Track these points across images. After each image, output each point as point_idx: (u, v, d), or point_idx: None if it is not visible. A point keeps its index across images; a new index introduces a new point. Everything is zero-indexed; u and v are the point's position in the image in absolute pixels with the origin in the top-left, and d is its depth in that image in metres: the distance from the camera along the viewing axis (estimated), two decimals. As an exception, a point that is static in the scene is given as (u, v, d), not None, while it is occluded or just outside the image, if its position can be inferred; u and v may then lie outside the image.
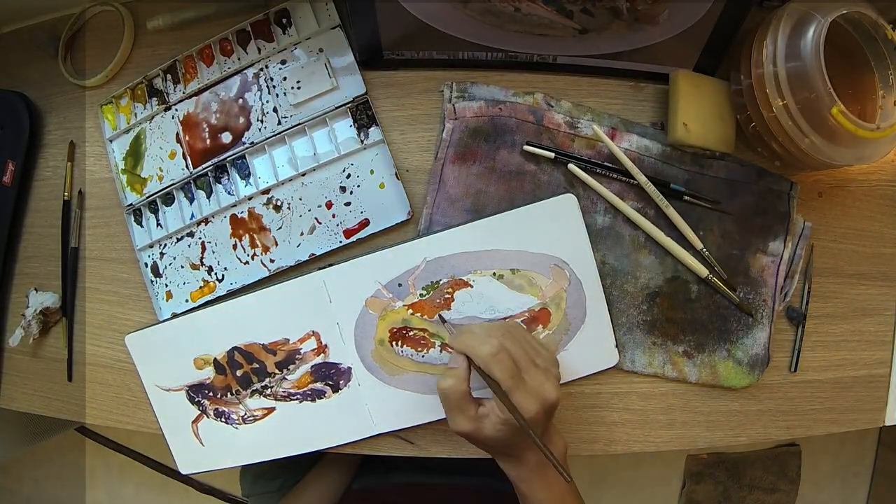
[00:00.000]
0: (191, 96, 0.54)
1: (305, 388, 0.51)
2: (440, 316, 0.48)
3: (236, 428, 0.52)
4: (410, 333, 0.49)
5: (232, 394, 0.52)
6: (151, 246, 0.55)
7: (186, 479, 1.24)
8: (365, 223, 0.51)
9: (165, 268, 0.54)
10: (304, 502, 0.66)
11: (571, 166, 0.50)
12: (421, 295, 0.49)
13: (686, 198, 0.50)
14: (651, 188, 0.50)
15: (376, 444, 0.52)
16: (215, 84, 0.54)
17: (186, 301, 0.54)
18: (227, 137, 0.53)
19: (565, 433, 0.51)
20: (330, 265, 0.50)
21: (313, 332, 0.50)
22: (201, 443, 0.53)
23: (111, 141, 0.56)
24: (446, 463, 0.67)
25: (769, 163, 0.52)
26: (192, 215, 0.54)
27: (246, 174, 0.53)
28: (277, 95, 0.52)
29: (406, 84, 0.53)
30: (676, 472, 1.22)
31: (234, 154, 0.53)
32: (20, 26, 0.60)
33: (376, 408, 0.50)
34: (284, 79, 0.52)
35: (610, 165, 0.51)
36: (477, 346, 0.39)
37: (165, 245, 0.54)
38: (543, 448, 0.37)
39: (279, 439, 0.52)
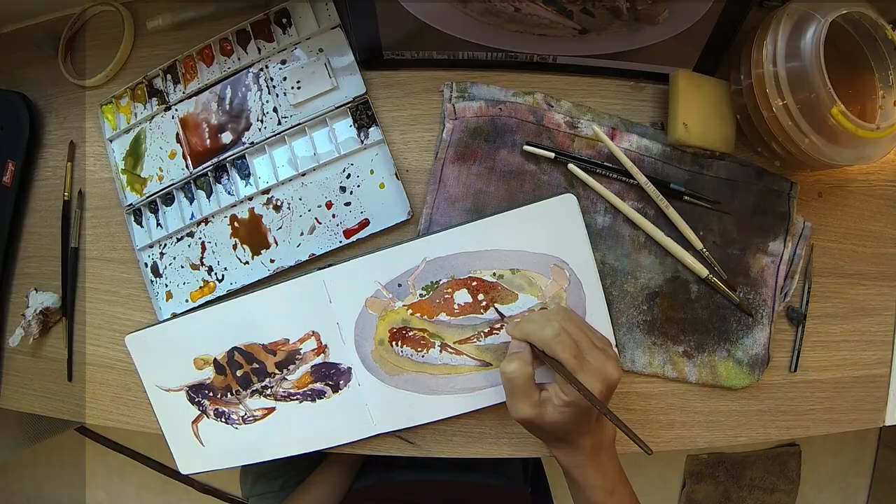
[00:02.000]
0: (191, 96, 0.54)
1: (305, 388, 0.51)
2: (495, 308, 0.48)
3: (236, 428, 0.52)
4: (410, 333, 0.49)
5: (232, 394, 0.52)
6: (151, 246, 0.55)
7: (186, 479, 1.24)
8: (365, 223, 0.51)
9: (165, 268, 0.54)
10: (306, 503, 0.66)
11: (571, 166, 0.50)
12: (421, 295, 0.49)
13: (686, 198, 0.50)
14: (651, 188, 0.50)
15: (376, 444, 0.52)
16: (215, 84, 0.54)
17: (186, 301, 0.54)
18: (227, 137, 0.53)
19: (565, 433, 0.51)
20: (330, 265, 0.50)
21: (313, 332, 0.50)
22: (201, 443, 0.53)
23: (111, 141, 0.56)
24: (447, 460, 0.67)
25: (769, 163, 0.52)
26: (192, 215, 0.54)
27: (246, 174, 0.53)
28: (277, 95, 0.52)
29: (406, 84, 0.53)
30: (676, 472, 1.22)
31: (234, 154, 0.53)
32: (20, 26, 0.60)
33: (376, 408, 0.50)
34: (284, 79, 0.52)
35: (610, 165, 0.50)
36: (538, 330, 0.40)
37: (165, 245, 0.54)
38: (617, 420, 0.38)
39: (279, 439, 0.52)
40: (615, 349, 0.42)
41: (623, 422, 0.38)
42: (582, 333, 0.41)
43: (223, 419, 0.52)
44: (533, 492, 0.73)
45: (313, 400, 0.51)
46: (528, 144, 0.50)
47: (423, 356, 0.49)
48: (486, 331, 0.49)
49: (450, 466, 0.67)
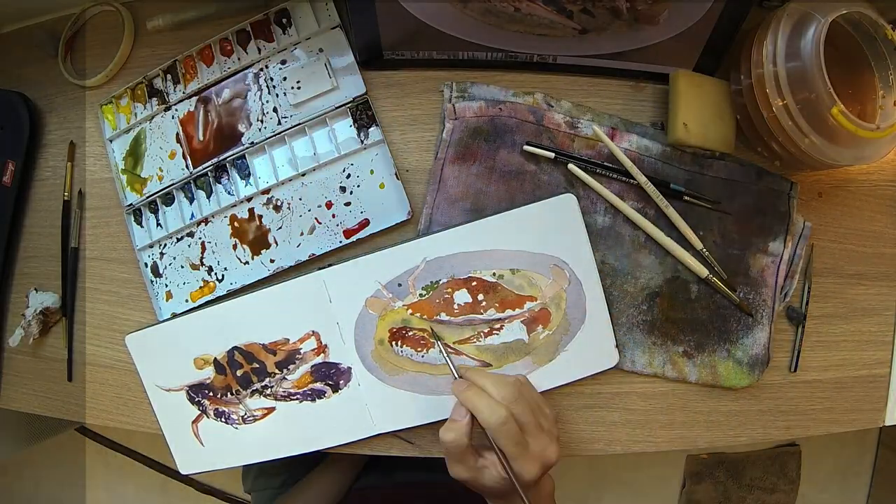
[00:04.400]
0: (191, 96, 0.54)
1: (305, 388, 0.51)
2: (441, 347, 0.48)
3: (236, 428, 0.52)
4: (410, 333, 0.49)
5: (232, 394, 0.52)
6: (151, 246, 0.55)
7: (186, 479, 1.24)
8: (365, 223, 0.51)
9: (165, 268, 0.54)
10: (305, 500, 0.66)
11: (571, 166, 0.50)
12: (421, 295, 0.49)
13: (686, 198, 0.50)
14: (651, 188, 0.50)
15: (376, 444, 0.52)
16: (215, 84, 0.54)
17: (186, 301, 0.54)
18: (226, 137, 0.53)
19: (566, 434, 0.51)
20: (330, 265, 0.50)
21: (313, 331, 0.50)
22: (201, 443, 0.53)
23: (111, 141, 0.56)
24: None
25: (769, 163, 0.52)
26: (192, 215, 0.54)
27: (246, 174, 0.53)
28: (277, 95, 0.52)
29: (406, 84, 0.53)
30: (676, 472, 1.22)
31: (234, 154, 0.53)
32: (20, 26, 0.60)
33: (376, 408, 0.50)
34: (284, 79, 0.52)
35: (610, 165, 0.50)
36: (485, 413, 0.40)
37: (165, 245, 0.54)
38: None
39: (279, 439, 0.52)
40: (558, 428, 0.43)
41: None
42: (530, 415, 0.40)
43: (223, 419, 0.52)
44: None
45: (313, 400, 0.51)
46: (528, 144, 0.50)
47: (423, 356, 0.49)
48: (485, 331, 0.49)
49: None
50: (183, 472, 0.54)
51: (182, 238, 0.54)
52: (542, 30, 0.48)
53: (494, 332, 0.49)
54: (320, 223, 0.52)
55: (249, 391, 0.51)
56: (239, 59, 0.53)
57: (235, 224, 0.53)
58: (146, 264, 0.55)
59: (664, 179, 0.51)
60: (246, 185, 0.53)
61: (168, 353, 0.52)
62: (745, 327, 0.51)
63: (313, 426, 0.51)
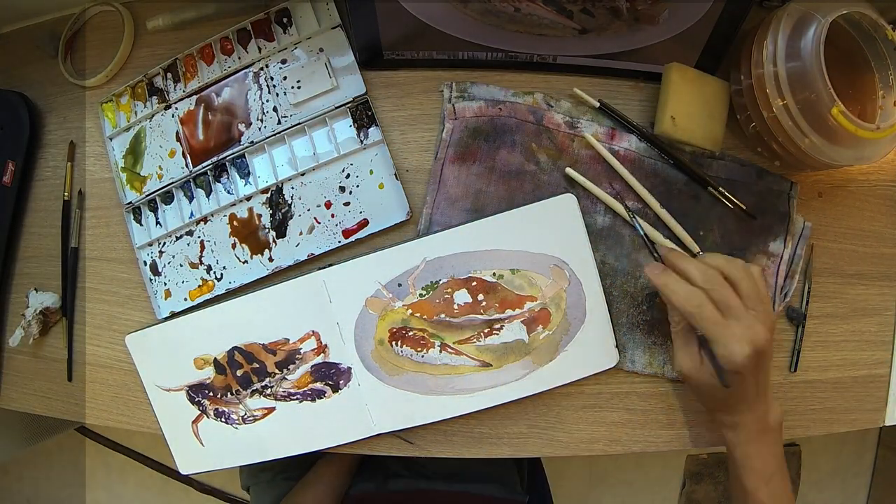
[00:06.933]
0: (191, 95, 0.54)
1: (305, 388, 0.51)
2: (645, 239, 0.44)
3: (236, 428, 0.52)
4: (410, 333, 0.49)
5: (232, 394, 0.52)
6: (150, 244, 0.55)
7: (186, 479, 1.25)
8: (364, 223, 0.51)
9: (164, 266, 0.54)
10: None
11: (569, 170, 0.50)
12: (420, 295, 0.49)
13: (709, 188, 0.50)
14: (644, 192, 0.50)
15: (376, 444, 0.52)
16: (216, 83, 0.54)
17: (185, 300, 0.54)
18: (226, 137, 0.53)
19: (566, 433, 0.51)
20: (330, 265, 0.50)
21: (313, 331, 0.50)
22: (201, 443, 0.53)
23: (111, 139, 0.56)
24: (445, 470, 0.67)
25: (769, 163, 0.52)
26: (192, 214, 0.54)
27: (245, 173, 0.53)
28: (277, 95, 0.52)
29: (406, 84, 0.53)
30: (676, 472, 1.22)
31: (233, 153, 0.53)
32: (20, 26, 0.60)
33: (376, 408, 0.50)
34: (284, 78, 0.52)
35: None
36: (681, 294, 0.39)
37: (164, 243, 0.54)
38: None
39: (279, 439, 0.52)
40: (772, 306, 0.41)
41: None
42: (732, 297, 0.39)
43: (223, 419, 0.52)
44: (531, 496, 0.73)
45: (313, 400, 0.51)
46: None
47: (422, 356, 0.49)
48: (485, 331, 0.49)
49: (448, 477, 0.67)
50: (183, 472, 0.54)
51: (181, 236, 0.54)
52: (542, 30, 0.48)
53: (494, 332, 0.49)
54: (319, 223, 0.52)
55: (249, 391, 0.51)
56: (239, 58, 0.53)
57: (234, 223, 0.53)
58: (145, 262, 0.55)
59: (666, 180, 0.51)
60: (245, 184, 0.53)
61: (168, 353, 0.52)
62: (745, 327, 0.51)
63: (313, 426, 0.51)
